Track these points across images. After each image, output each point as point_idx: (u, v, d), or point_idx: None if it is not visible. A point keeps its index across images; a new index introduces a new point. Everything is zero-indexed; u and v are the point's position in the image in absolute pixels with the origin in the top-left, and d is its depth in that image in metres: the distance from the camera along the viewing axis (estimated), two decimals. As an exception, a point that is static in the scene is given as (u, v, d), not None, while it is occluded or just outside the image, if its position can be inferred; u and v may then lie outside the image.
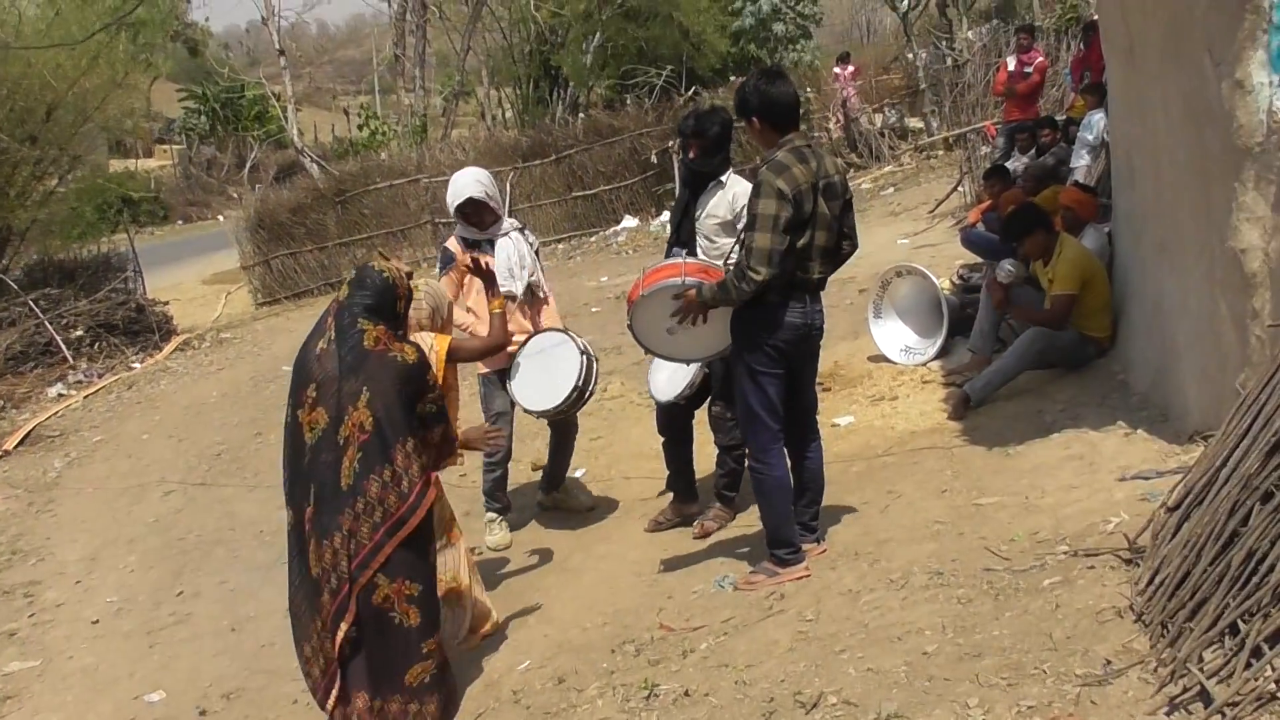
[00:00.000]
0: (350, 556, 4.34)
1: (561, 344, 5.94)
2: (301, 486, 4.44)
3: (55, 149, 18.56)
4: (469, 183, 6.19)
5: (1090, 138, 9.95)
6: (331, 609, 4.33)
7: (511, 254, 6.22)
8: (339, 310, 4.55)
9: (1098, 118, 9.77)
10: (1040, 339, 6.67)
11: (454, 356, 5.18)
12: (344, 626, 4.33)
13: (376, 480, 4.35)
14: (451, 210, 6.18)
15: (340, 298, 4.58)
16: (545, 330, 6.22)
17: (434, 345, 5.08)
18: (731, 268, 4.84)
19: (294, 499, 4.49)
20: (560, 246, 18.91)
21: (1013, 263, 7.22)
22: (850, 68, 21.67)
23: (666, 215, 17.94)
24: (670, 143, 18.31)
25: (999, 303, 7.18)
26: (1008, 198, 9.03)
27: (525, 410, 5.95)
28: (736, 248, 5.03)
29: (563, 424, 6.46)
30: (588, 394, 5.94)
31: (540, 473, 6.87)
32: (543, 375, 5.88)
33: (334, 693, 4.36)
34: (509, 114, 30.01)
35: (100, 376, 14.01)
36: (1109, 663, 3.21)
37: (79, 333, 15.13)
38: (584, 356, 5.85)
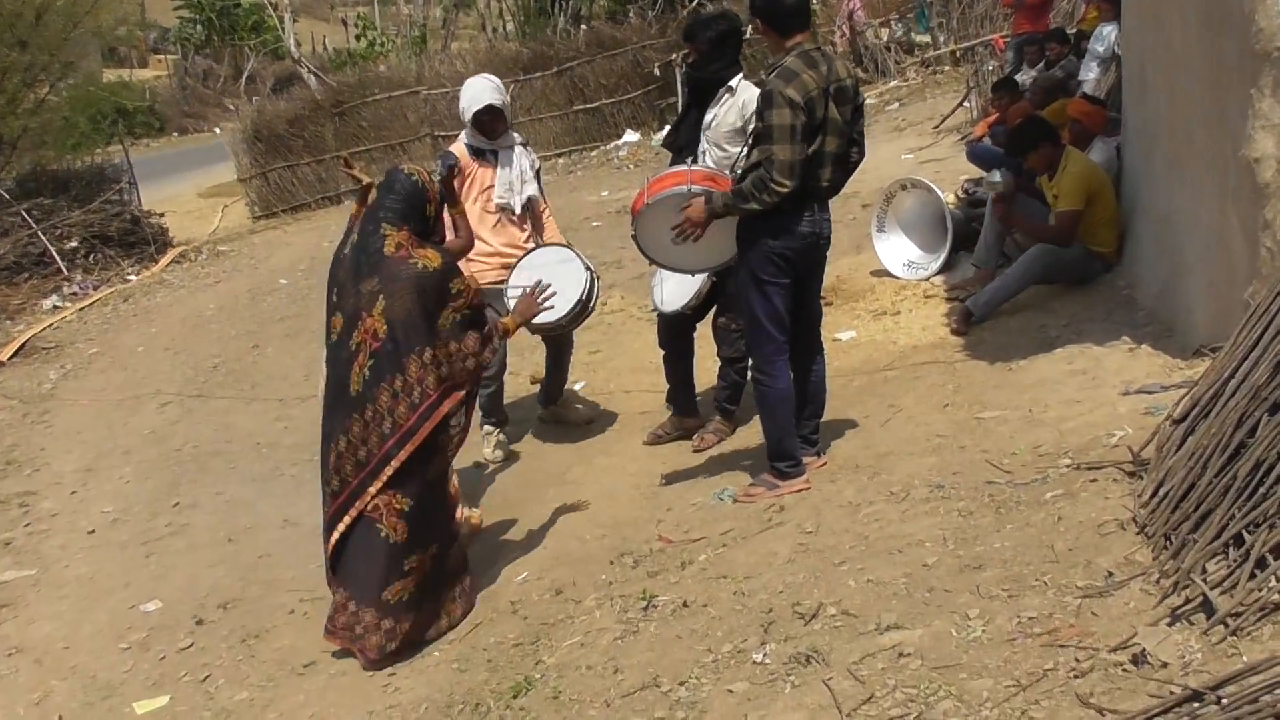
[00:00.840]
0: (359, 464, 4.39)
1: (566, 259, 5.88)
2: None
3: (46, 55, 18.26)
4: (487, 88, 6.10)
5: (1101, 50, 9.78)
6: (330, 511, 4.40)
7: (514, 168, 6.15)
8: (366, 215, 4.52)
9: (1109, 30, 9.59)
10: (1045, 255, 6.60)
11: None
12: (338, 530, 4.39)
13: (387, 389, 4.35)
14: (467, 116, 6.05)
15: (369, 201, 4.54)
16: (548, 245, 6.15)
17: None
18: (741, 174, 4.76)
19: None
20: (561, 161, 18.74)
21: (1002, 171, 7.14)
22: None
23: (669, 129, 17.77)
24: (673, 55, 18.07)
25: (1001, 216, 7.10)
26: (1015, 110, 8.91)
27: None
28: (744, 156, 4.94)
29: (558, 340, 6.42)
30: (589, 310, 5.89)
31: (539, 386, 6.84)
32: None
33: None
34: (510, 25, 29.52)
35: (95, 289, 13.94)
36: (1111, 574, 3.19)
37: (73, 244, 15.03)
38: (589, 273, 5.80)
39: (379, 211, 4.48)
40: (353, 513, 4.42)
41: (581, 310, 5.80)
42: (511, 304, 5.84)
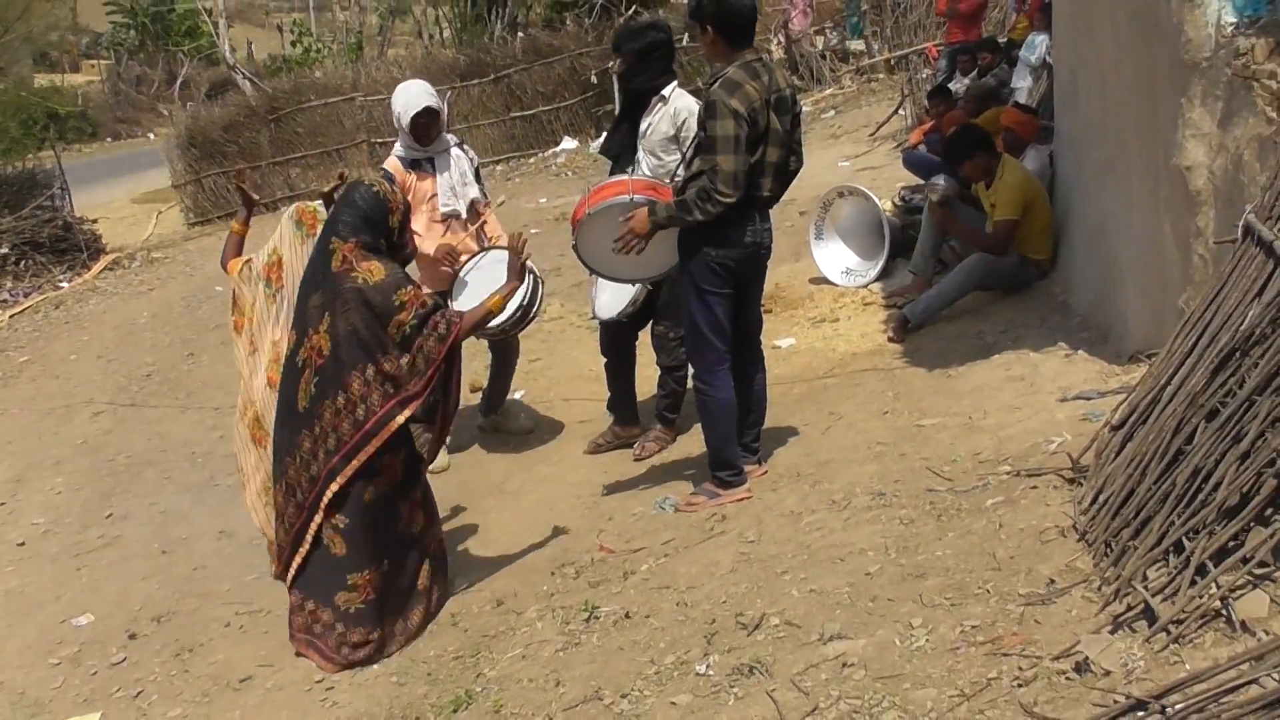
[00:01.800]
0: (312, 480, 4.35)
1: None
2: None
3: (-25, 60, 17.94)
4: (422, 91, 6.02)
5: (1032, 59, 9.88)
6: (293, 527, 4.43)
7: (453, 173, 6.06)
8: (324, 228, 4.45)
9: (1040, 39, 9.69)
10: (982, 264, 6.63)
11: None
12: (302, 551, 4.44)
13: (330, 406, 4.28)
14: (405, 121, 5.91)
15: (321, 219, 4.53)
16: (490, 248, 6.07)
17: None
18: (682, 184, 4.72)
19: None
20: (499, 168, 18.62)
21: (945, 178, 7.17)
22: None
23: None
24: (610, 62, 18.03)
25: (940, 221, 7.12)
26: (949, 119, 8.95)
27: None
28: (682, 167, 4.90)
29: (503, 346, 6.34)
30: (532, 314, 5.82)
31: (479, 395, 6.76)
32: (485, 292, 5.74)
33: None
34: (446, 32, 29.34)
35: (26, 295, 13.70)
36: (1052, 582, 3.18)
37: (4, 250, 14.75)
38: (531, 275, 5.72)
39: (333, 225, 4.39)
40: (312, 528, 4.39)
41: (523, 316, 5.73)
42: (456, 304, 5.76)
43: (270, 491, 5.12)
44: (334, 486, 4.31)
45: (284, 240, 5.11)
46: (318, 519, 4.37)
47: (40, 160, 20.30)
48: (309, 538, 4.41)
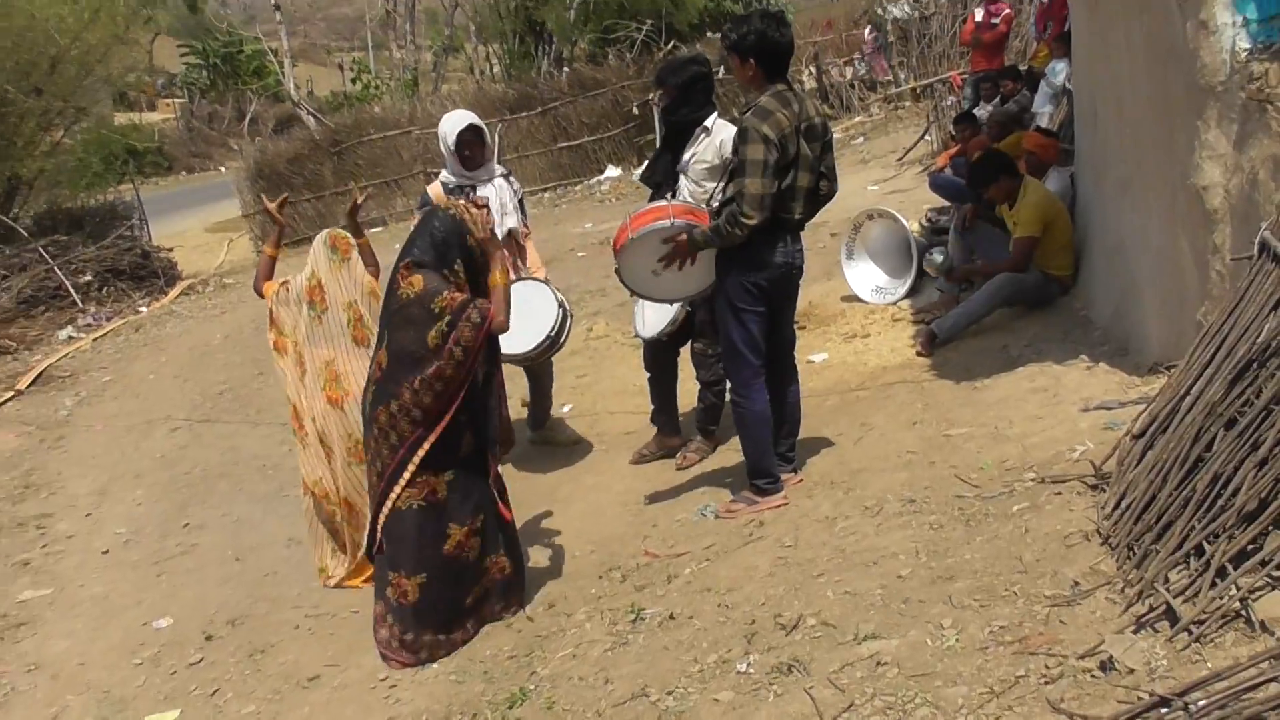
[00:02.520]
0: (379, 476, 4.40)
1: (540, 294, 5.82)
2: None
3: (60, 100, 18.25)
4: (466, 114, 6.07)
5: (1054, 85, 9.81)
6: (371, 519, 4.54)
7: (493, 200, 6.08)
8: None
9: (1060, 66, 9.63)
10: (1007, 284, 6.59)
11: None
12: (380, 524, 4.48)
13: (385, 411, 4.31)
14: (450, 141, 5.95)
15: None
16: (525, 279, 6.08)
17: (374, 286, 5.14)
18: (718, 208, 4.73)
19: None
20: (546, 195, 18.72)
21: (940, 250, 7.25)
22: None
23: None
24: (650, 95, 18.08)
25: (960, 278, 7.15)
26: (974, 143, 8.92)
27: None
28: (720, 190, 4.91)
29: (535, 370, 6.37)
30: (559, 343, 5.84)
31: (527, 409, 6.78)
32: (517, 321, 5.77)
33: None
34: (496, 68, 29.58)
35: (108, 320, 13.86)
36: (1077, 584, 3.15)
37: (87, 278, 14.98)
38: (561, 309, 5.74)
39: (404, 250, 4.40)
40: (382, 519, 4.43)
41: (550, 345, 5.75)
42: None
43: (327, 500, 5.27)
44: (396, 489, 4.33)
45: (320, 263, 5.18)
46: (384, 516, 4.41)
47: (120, 193, 20.65)
48: (379, 532, 4.45)
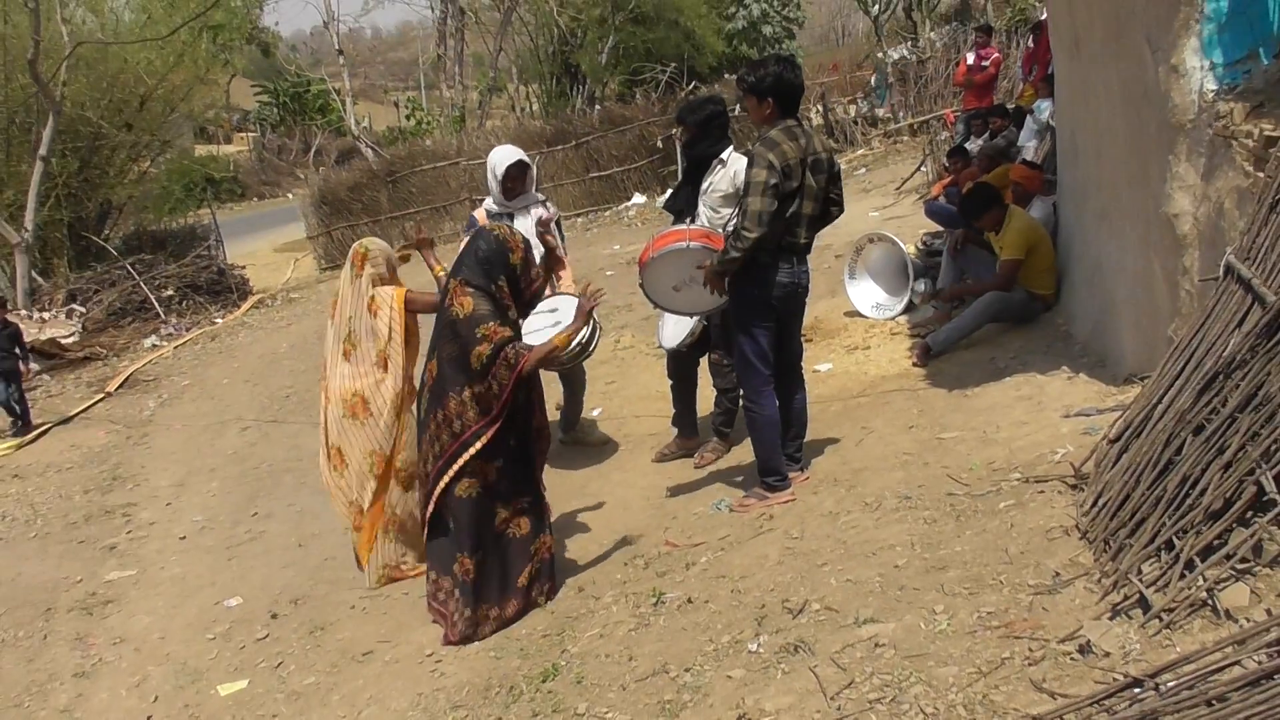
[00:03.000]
0: (426, 475, 4.44)
1: (573, 307, 5.82)
2: None
3: (148, 135, 18.49)
4: (514, 151, 6.13)
5: (1038, 122, 9.75)
6: (423, 509, 4.54)
7: (531, 225, 6.10)
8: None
9: (1045, 104, 9.56)
10: (995, 301, 6.56)
11: (410, 307, 5.11)
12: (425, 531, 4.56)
13: (434, 419, 4.35)
14: (499, 172, 5.98)
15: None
16: (560, 294, 6.09)
17: (393, 299, 5.04)
18: (732, 233, 4.73)
19: None
20: (579, 220, 18.73)
21: (925, 282, 7.40)
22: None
23: (671, 192, 17.75)
24: (673, 130, 18.09)
25: (950, 297, 7.16)
26: (965, 174, 8.87)
27: None
28: (734, 215, 4.91)
29: (569, 375, 6.38)
30: (589, 351, 5.84)
31: (560, 413, 6.78)
32: (551, 331, 5.77)
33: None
34: (535, 106, 29.68)
35: (187, 330, 13.98)
36: (1058, 574, 3.12)
37: (169, 292, 15.11)
38: (592, 322, 5.74)
39: (456, 267, 4.41)
40: (428, 511, 4.48)
41: (581, 352, 5.74)
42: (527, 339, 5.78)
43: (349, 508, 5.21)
44: (443, 481, 4.35)
45: (343, 279, 5.18)
46: (431, 506, 4.43)
47: (199, 217, 20.82)
48: (428, 519, 4.47)
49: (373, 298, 5.05)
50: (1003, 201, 6.88)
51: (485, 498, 4.41)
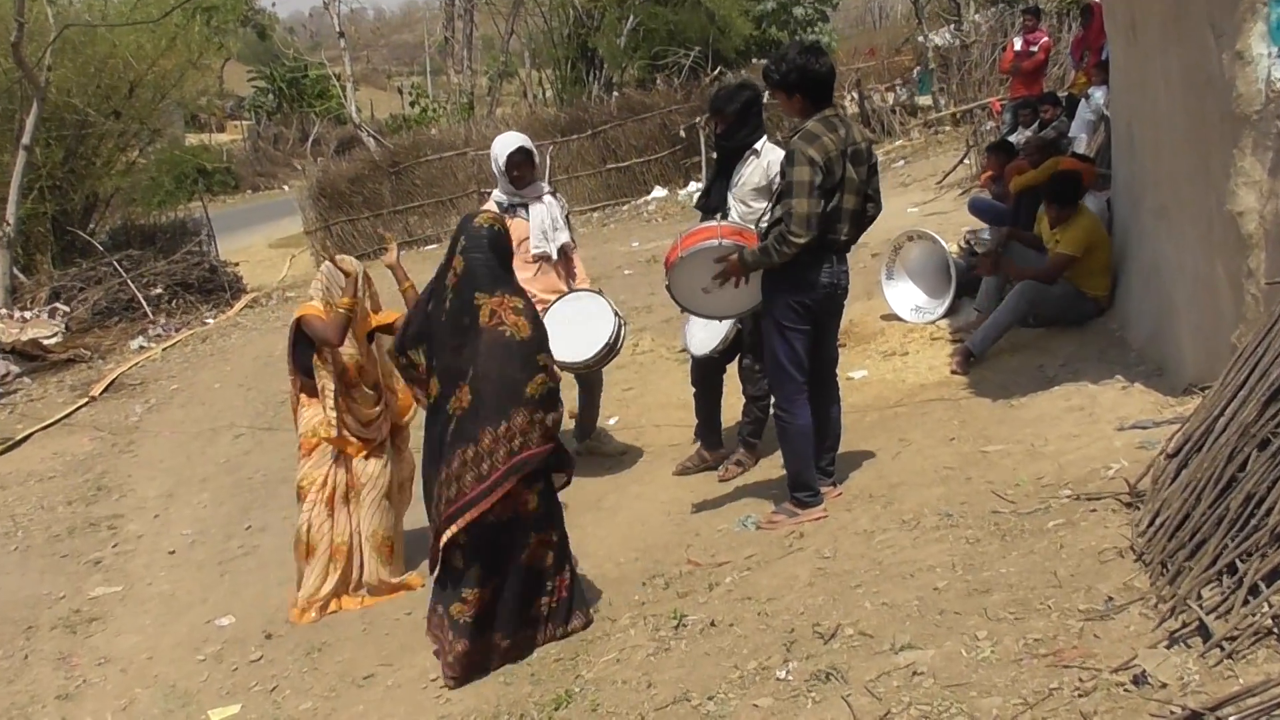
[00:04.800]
0: (438, 517, 4.29)
1: (597, 305, 5.87)
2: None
3: (136, 123, 18.58)
4: (516, 135, 6.19)
5: (1091, 112, 9.73)
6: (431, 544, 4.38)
7: (544, 218, 6.15)
8: (461, 280, 4.24)
9: (1098, 93, 9.55)
10: (1029, 290, 6.55)
11: (306, 327, 5.36)
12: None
13: (460, 456, 4.14)
14: (501, 161, 6.04)
15: (457, 269, 4.25)
16: (579, 290, 6.13)
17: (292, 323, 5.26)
18: (766, 229, 4.74)
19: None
20: (595, 215, 18.76)
21: (992, 230, 7.26)
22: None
23: (694, 185, 17.76)
24: (698, 119, 18.11)
25: (989, 269, 7.08)
26: (1013, 169, 8.84)
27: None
28: (768, 212, 4.92)
29: (588, 379, 6.40)
30: (615, 353, 5.88)
31: (574, 420, 6.80)
32: (574, 330, 5.80)
33: None
34: (549, 93, 29.76)
35: (177, 330, 14.02)
36: (1111, 599, 3.12)
37: (158, 291, 15.17)
38: (618, 320, 5.79)
39: (473, 277, 4.23)
40: (431, 557, 4.39)
41: (608, 353, 5.80)
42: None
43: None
44: (450, 530, 4.18)
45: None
46: (442, 543, 4.27)
47: (190, 210, 20.94)
48: (439, 554, 4.31)
49: None
50: (1080, 199, 6.85)
51: (518, 525, 4.28)
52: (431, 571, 4.47)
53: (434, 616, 4.51)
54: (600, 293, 6.09)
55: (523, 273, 6.03)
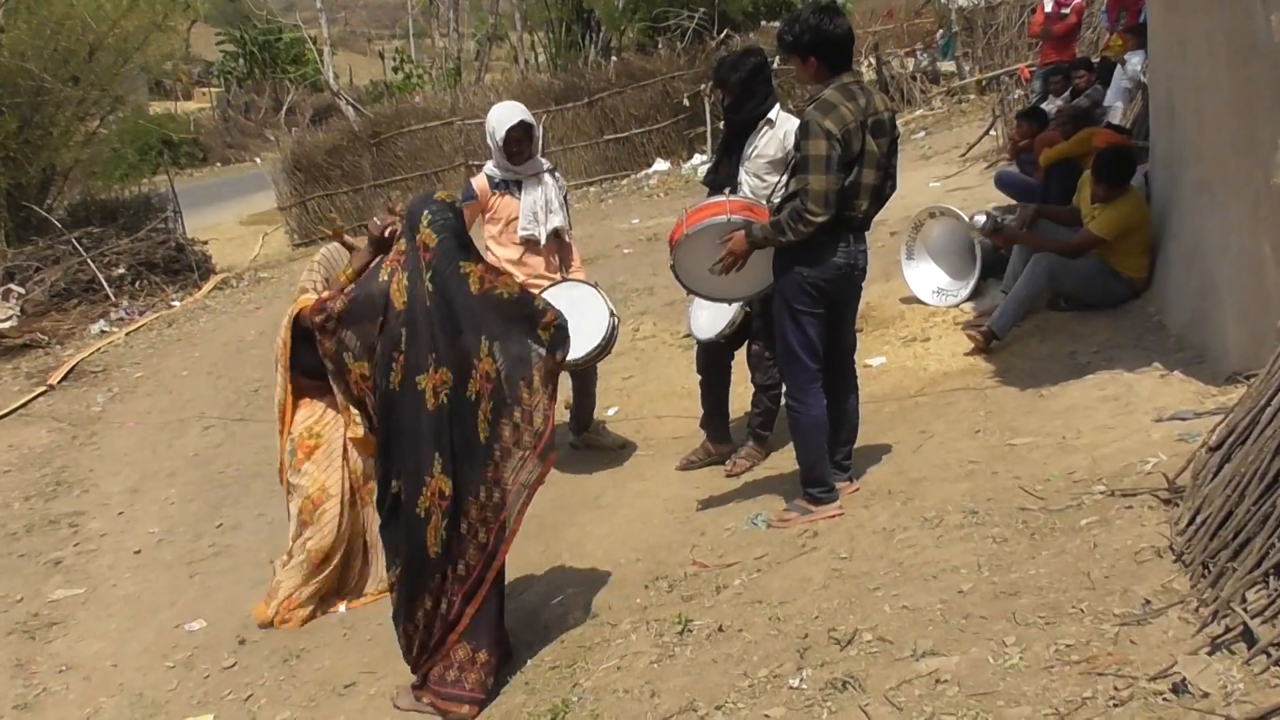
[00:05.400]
0: (497, 507, 4.12)
1: (590, 299, 5.85)
2: (425, 452, 4.11)
3: (97, 90, 18.50)
4: (516, 109, 6.13)
5: (1127, 79, 9.71)
6: (475, 566, 4.16)
7: (539, 199, 6.12)
8: (435, 259, 4.13)
9: (1135, 59, 9.52)
10: (1051, 262, 6.56)
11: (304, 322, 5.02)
12: (480, 596, 4.18)
13: (508, 424, 4.09)
14: (499, 136, 6.01)
15: (428, 243, 4.14)
16: (572, 279, 6.12)
17: (289, 315, 5.17)
18: (779, 205, 4.73)
19: (406, 468, 4.14)
20: (592, 189, 18.75)
21: (981, 213, 7.35)
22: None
23: (699, 158, 17.73)
24: (702, 86, 18.07)
25: (1006, 241, 7.10)
26: (1043, 139, 8.83)
27: None
28: (782, 186, 4.91)
29: (581, 372, 6.38)
30: (608, 351, 5.88)
31: (569, 412, 6.81)
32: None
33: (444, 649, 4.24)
34: (541, 57, 29.67)
35: (141, 314, 14.05)
36: (1148, 602, 3.13)
37: (120, 271, 15.18)
38: (611, 316, 5.78)
39: (449, 254, 4.15)
40: (491, 573, 4.18)
41: (601, 351, 5.78)
42: None
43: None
44: (526, 500, 4.14)
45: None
46: (497, 563, 4.17)
47: (155, 185, 20.88)
48: (488, 581, 4.17)
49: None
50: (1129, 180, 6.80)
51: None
52: (460, 612, 4.21)
53: (463, 666, 4.23)
54: (595, 285, 6.06)
55: (508, 254, 6.04)
